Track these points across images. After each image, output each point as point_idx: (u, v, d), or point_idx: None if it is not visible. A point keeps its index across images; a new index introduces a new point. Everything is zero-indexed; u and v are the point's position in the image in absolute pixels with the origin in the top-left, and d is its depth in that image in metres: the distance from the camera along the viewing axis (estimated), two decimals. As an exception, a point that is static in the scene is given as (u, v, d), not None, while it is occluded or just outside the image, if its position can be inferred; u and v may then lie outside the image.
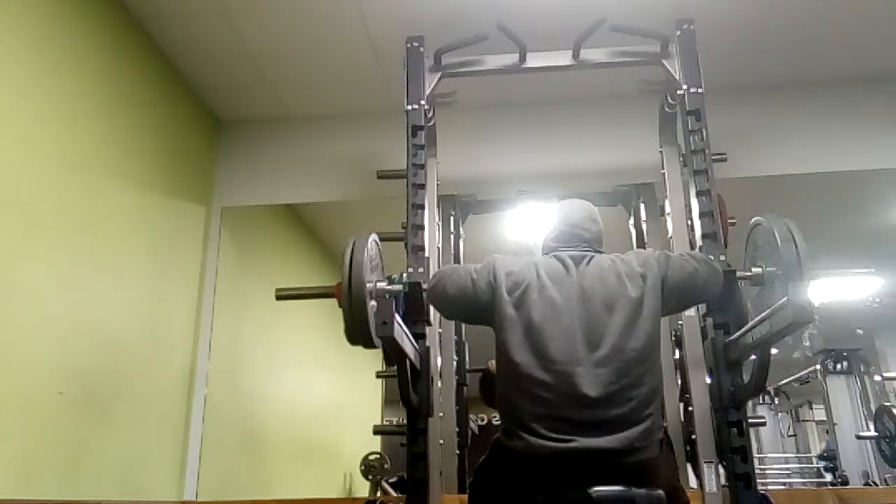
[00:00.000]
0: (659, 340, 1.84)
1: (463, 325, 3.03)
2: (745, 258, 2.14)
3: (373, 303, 1.80)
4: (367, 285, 1.75)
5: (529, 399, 1.72)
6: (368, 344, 1.75)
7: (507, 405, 1.80)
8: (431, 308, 2.26)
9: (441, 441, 2.43)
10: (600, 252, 1.98)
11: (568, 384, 1.70)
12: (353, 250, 1.79)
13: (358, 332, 1.73)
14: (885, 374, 4.28)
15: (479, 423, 3.25)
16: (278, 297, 2.09)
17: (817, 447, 5.13)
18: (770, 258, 1.98)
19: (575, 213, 2.06)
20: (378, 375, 2.91)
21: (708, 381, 2.21)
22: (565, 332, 1.76)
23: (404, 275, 2.27)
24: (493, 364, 2.06)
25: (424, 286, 2.16)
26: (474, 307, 1.91)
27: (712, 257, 2.18)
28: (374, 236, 1.91)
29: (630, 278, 1.84)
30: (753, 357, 1.99)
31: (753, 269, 2.07)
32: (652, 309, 1.82)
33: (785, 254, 1.84)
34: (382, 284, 1.92)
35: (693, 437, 2.30)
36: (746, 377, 2.07)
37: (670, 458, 1.96)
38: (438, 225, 2.77)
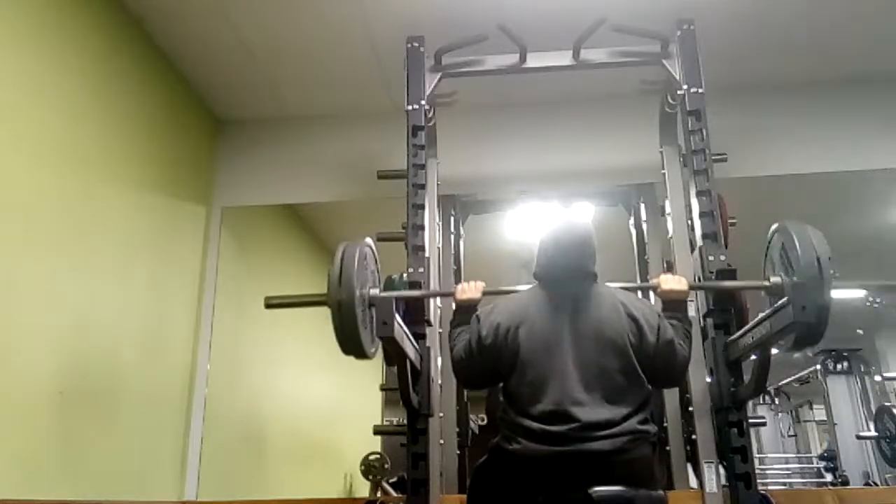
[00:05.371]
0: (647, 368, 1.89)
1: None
2: (764, 265, 1.97)
3: (363, 309, 1.75)
4: (357, 294, 1.69)
5: (527, 421, 1.78)
6: (360, 354, 1.71)
7: (507, 422, 1.85)
8: (432, 308, 2.26)
9: (441, 441, 2.43)
10: (594, 277, 1.95)
11: (562, 418, 1.74)
12: (342, 259, 1.73)
13: (349, 343, 1.69)
14: (886, 374, 4.29)
15: (480, 423, 3.24)
16: (268, 306, 1.96)
17: (817, 447, 5.13)
18: (790, 268, 1.81)
19: (569, 241, 1.95)
20: (382, 389, 2.89)
21: (708, 381, 2.21)
22: (557, 370, 1.79)
23: (404, 275, 2.28)
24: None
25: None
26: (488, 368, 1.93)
27: (712, 258, 2.18)
28: (368, 241, 1.84)
29: (631, 320, 1.85)
30: (753, 357, 1.98)
31: (772, 280, 1.89)
32: (641, 353, 1.85)
33: (806, 267, 1.70)
34: (375, 292, 1.84)
35: (693, 437, 2.30)
36: (746, 377, 2.07)
37: (663, 459, 1.99)
38: (438, 225, 2.77)
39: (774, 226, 1.89)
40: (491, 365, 1.89)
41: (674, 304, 2.01)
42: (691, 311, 2.36)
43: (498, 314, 1.91)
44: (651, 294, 2.19)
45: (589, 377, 1.78)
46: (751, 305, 2.17)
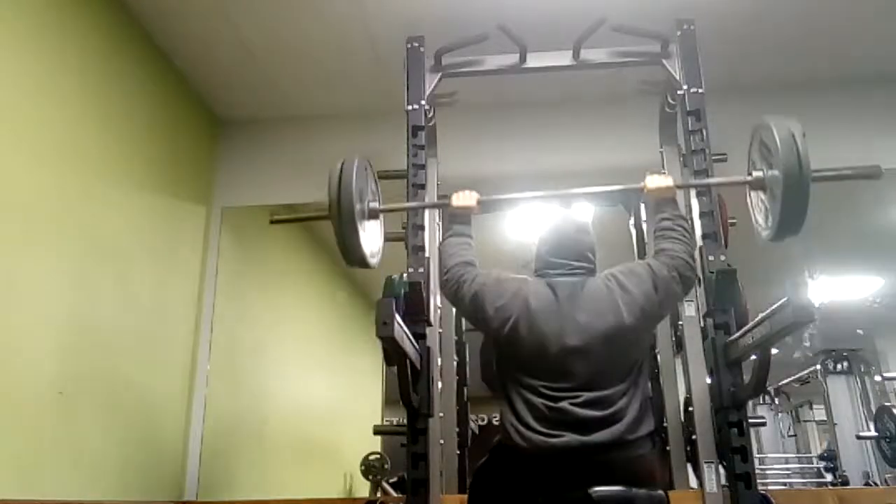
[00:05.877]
0: (647, 354, 1.94)
1: (463, 326, 3.03)
2: (748, 161, 2.04)
3: (366, 222, 1.77)
4: (358, 205, 1.71)
5: (526, 409, 1.80)
6: (362, 263, 1.73)
7: (505, 405, 1.86)
8: (432, 308, 2.25)
9: (441, 441, 2.43)
10: (593, 270, 1.96)
11: (561, 409, 1.76)
12: (341, 170, 1.77)
13: (350, 252, 1.70)
14: (886, 375, 4.29)
15: (479, 423, 3.25)
16: (272, 222, 2.07)
17: (817, 447, 5.13)
18: (771, 161, 1.85)
19: (566, 232, 2.00)
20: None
21: (708, 381, 2.21)
22: (557, 366, 1.81)
23: (405, 275, 2.27)
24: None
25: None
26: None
27: (712, 258, 2.18)
28: (365, 161, 1.89)
29: (627, 305, 1.85)
30: (754, 357, 1.98)
31: (754, 173, 1.97)
32: (643, 339, 1.93)
33: (785, 156, 1.72)
34: (375, 204, 1.88)
35: (693, 437, 2.30)
36: (747, 377, 2.07)
37: (664, 459, 1.99)
38: (438, 225, 2.76)
39: (757, 121, 1.93)
40: (474, 319, 1.98)
41: (662, 204, 2.04)
42: (691, 312, 2.37)
43: (504, 289, 1.91)
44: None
45: (589, 367, 1.79)
46: (751, 306, 2.18)
